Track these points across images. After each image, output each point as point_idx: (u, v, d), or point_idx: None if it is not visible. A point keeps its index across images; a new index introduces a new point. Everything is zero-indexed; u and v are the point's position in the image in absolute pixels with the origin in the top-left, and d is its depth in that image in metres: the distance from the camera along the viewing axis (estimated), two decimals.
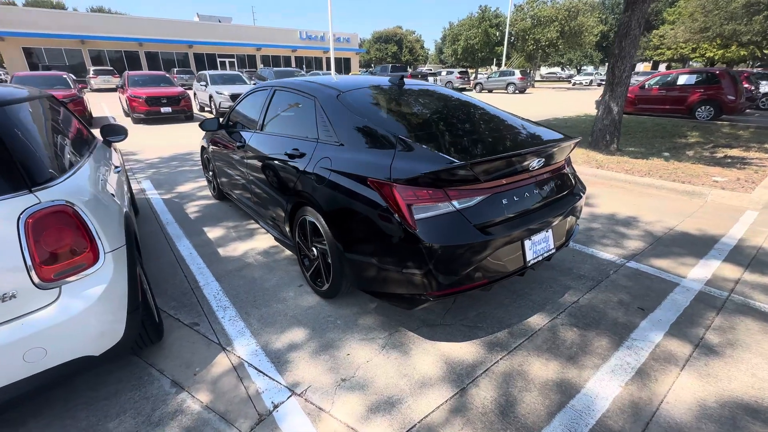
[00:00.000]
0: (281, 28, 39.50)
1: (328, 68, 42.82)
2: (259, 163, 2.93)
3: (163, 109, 11.38)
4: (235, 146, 3.34)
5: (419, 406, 1.71)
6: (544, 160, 2.07)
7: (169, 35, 32.00)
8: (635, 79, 18.79)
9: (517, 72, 25.50)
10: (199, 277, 2.82)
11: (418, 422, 1.63)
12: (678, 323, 2.27)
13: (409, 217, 1.75)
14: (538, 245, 2.12)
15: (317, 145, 2.36)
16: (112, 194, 2.01)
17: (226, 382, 1.85)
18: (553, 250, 2.22)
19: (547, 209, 2.18)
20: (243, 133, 3.32)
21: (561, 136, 2.32)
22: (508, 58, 33.95)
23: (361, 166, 2.01)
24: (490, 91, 26.83)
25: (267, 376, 1.88)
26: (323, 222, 2.20)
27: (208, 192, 4.79)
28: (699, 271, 2.85)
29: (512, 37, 33.51)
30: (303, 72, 17.08)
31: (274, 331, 2.21)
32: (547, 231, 2.16)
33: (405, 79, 2.86)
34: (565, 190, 2.35)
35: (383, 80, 2.86)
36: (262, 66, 36.38)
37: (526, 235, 2.03)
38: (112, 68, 26.02)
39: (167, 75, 13.39)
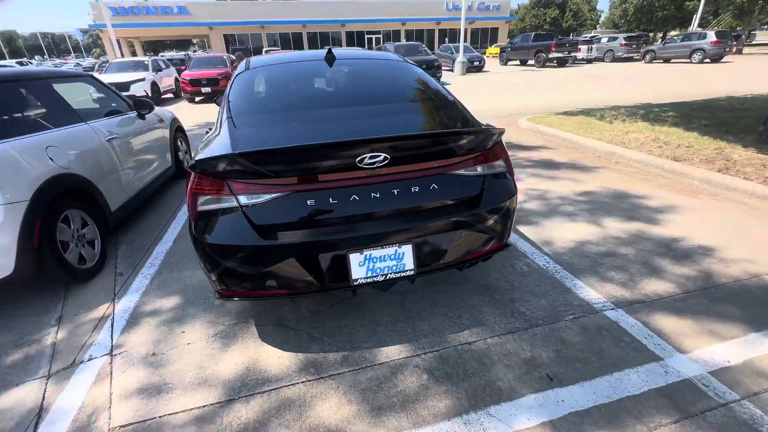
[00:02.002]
0: (428, 0, 39.01)
1: (474, 41, 40.67)
2: None
3: (203, 89, 12.23)
4: None
5: (177, 401, 1.66)
6: (387, 156, 1.60)
7: (326, 16, 35.40)
8: None
9: (711, 34, 19.19)
10: (165, 234, 3.25)
11: (159, 417, 1.59)
12: (589, 415, 1.53)
13: (191, 206, 1.64)
14: (378, 263, 1.69)
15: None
16: (50, 158, 2.48)
17: (84, 329, 2.16)
18: (412, 272, 1.74)
19: (401, 219, 1.70)
20: None
21: (461, 129, 1.75)
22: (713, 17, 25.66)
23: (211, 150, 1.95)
24: (666, 60, 21.13)
25: (111, 331, 2.11)
26: None
27: None
28: (718, 352, 1.81)
29: None
30: (423, 47, 16.69)
31: (159, 295, 2.43)
32: (399, 246, 1.70)
33: (339, 53, 2.56)
34: (449, 197, 1.78)
35: (312, 55, 2.63)
36: (403, 39, 37.05)
37: (352, 247, 1.64)
38: (277, 47, 30.50)
39: (224, 57, 14.51)
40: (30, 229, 2.16)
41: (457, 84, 15.02)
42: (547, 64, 21.53)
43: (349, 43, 37.40)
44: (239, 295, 1.71)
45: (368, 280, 1.70)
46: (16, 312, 2.33)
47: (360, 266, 1.68)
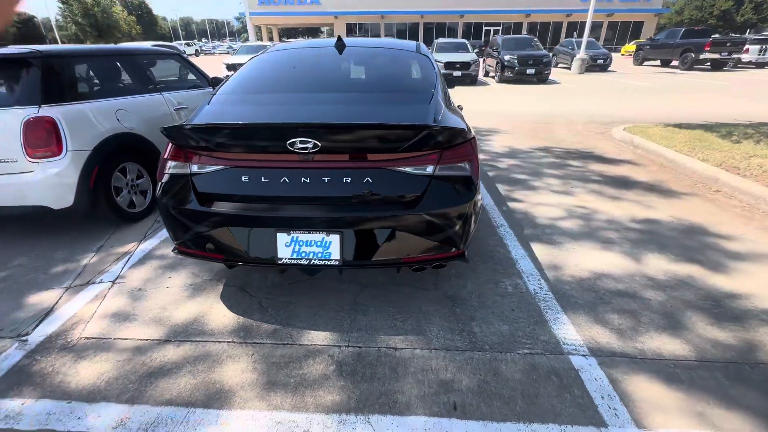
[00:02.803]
0: None
1: (610, 37, 35.86)
2: None
3: None
4: None
5: (131, 330, 1.96)
6: (317, 143, 1.60)
7: (445, 7, 34.91)
8: None
9: None
10: None
11: (112, 339, 1.91)
12: None
13: (160, 168, 1.88)
14: (304, 247, 1.72)
15: None
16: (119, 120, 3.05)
17: (109, 258, 2.66)
18: (337, 262, 1.73)
19: (331, 207, 1.70)
20: None
21: (409, 123, 1.65)
22: None
23: None
24: None
25: (124, 264, 2.56)
26: None
27: None
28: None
29: None
30: (536, 41, 15.35)
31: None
32: (327, 234, 1.71)
33: (348, 43, 2.59)
34: (384, 193, 1.70)
35: (325, 43, 2.69)
36: (525, 33, 34.52)
37: (280, 227, 1.71)
38: (389, 37, 31.32)
39: None
40: (88, 174, 2.73)
41: (565, 83, 13.56)
42: (696, 66, 17.87)
43: (466, 36, 36.34)
44: (187, 253, 1.93)
45: (293, 261, 1.75)
46: (76, 236, 2.98)
47: (286, 246, 1.74)
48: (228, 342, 1.89)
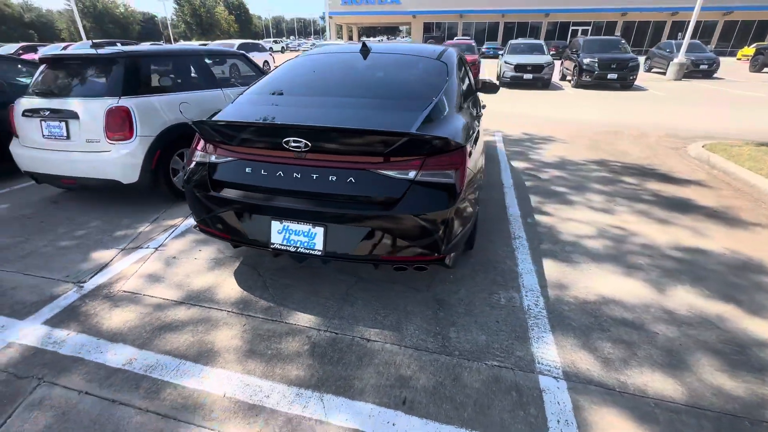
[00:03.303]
0: None
1: (726, 39, 31.22)
2: None
3: None
4: None
5: (156, 290, 2.32)
6: (308, 143, 1.77)
7: (528, 5, 33.23)
8: None
9: None
10: None
11: (141, 294, 2.29)
12: None
13: (189, 156, 2.20)
14: (293, 235, 1.91)
15: None
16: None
17: (159, 229, 3.12)
18: (320, 253, 1.89)
19: (317, 202, 1.86)
20: None
21: (396, 130, 1.75)
22: None
23: None
24: None
25: (169, 235, 3.00)
26: None
27: None
28: None
29: None
30: (623, 42, 13.98)
31: None
32: (313, 226, 1.88)
33: (372, 49, 2.72)
34: (365, 193, 1.81)
35: (352, 48, 2.83)
36: (617, 35, 31.48)
37: (275, 215, 1.92)
38: (467, 37, 30.61)
39: (473, 44, 14.92)
40: (151, 156, 3.23)
41: (653, 90, 12.22)
42: None
43: (550, 37, 34.26)
44: (204, 231, 2.23)
45: (283, 247, 1.95)
46: (139, 208, 3.54)
47: (278, 233, 1.94)
48: (228, 311, 2.16)
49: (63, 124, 3.16)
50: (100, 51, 3.29)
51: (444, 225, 1.85)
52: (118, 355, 1.85)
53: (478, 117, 3.14)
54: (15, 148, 3.43)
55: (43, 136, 3.24)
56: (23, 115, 3.28)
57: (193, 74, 3.91)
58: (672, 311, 2.20)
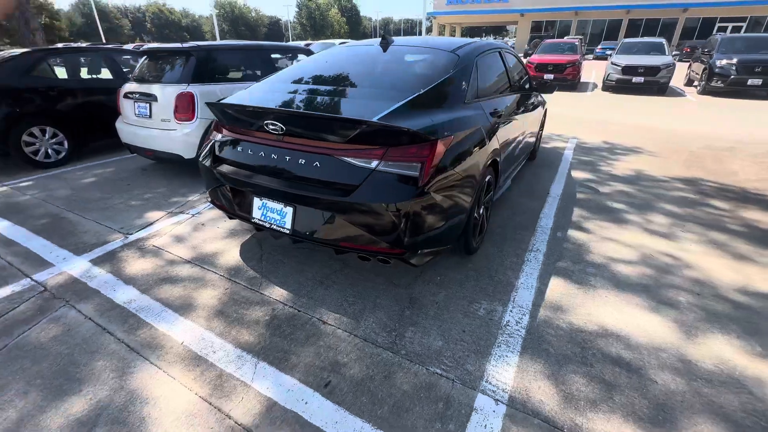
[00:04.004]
0: None
1: None
2: None
3: (545, 76, 12.26)
4: None
5: (177, 248, 2.69)
6: (282, 127, 1.87)
7: None
8: None
9: None
10: None
11: (164, 250, 2.67)
12: (304, 426, 1.46)
13: (208, 135, 2.48)
14: (269, 212, 2.05)
15: None
16: None
17: (202, 199, 3.58)
18: (288, 231, 2.00)
19: (288, 183, 1.96)
20: None
21: (361, 118, 1.75)
22: None
23: None
24: None
25: (205, 206, 3.43)
26: None
27: None
28: None
29: None
30: None
31: None
32: (284, 206, 1.99)
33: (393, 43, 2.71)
34: (327, 178, 1.85)
35: (373, 42, 2.84)
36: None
37: (256, 192, 2.08)
38: (581, 37, 27.67)
39: (575, 43, 13.62)
40: (205, 136, 3.72)
41: None
42: None
43: (688, 36, 29.28)
44: (212, 202, 2.49)
45: (261, 222, 2.10)
46: (197, 180, 4.08)
47: (258, 209, 2.10)
48: (219, 275, 2.40)
49: (147, 105, 3.81)
50: (183, 45, 3.88)
51: (406, 219, 1.79)
52: (124, 295, 2.21)
53: (509, 115, 2.91)
54: (118, 124, 4.25)
55: (135, 114, 3.96)
56: (124, 96, 4.05)
57: (256, 66, 4.36)
58: (692, 361, 1.79)
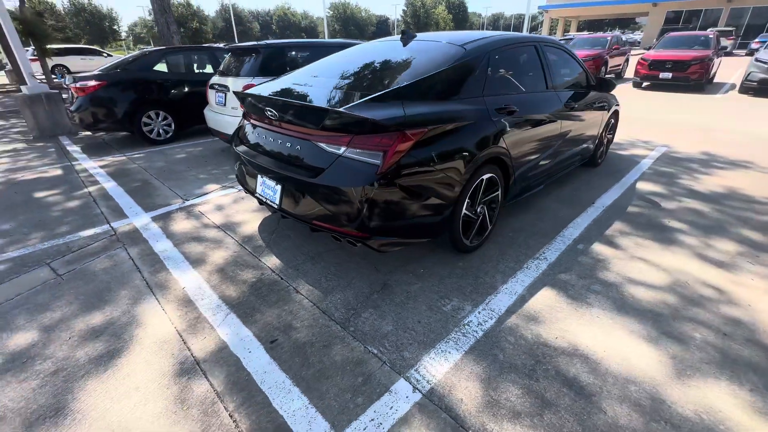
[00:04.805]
0: None
1: None
2: None
3: (662, 75, 10.68)
4: None
5: (211, 217, 3.18)
6: (275, 113, 2.12)
7: None
8: None
9: None
10: None
11: (204, 221, 3.19)
12: (251, 382, 1.70)
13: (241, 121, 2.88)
14: (266, 188, 2.33)
15: None
16: None
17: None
18: (276, 206, 2.25)
19: (278, 163, 2.20)
20: None
21: (341, 110, 1.89)
22: None
23: None
24: None
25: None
26: None
27: None
28: None
29: None
30: None
31: None
32: (276, 184, 2.25)
33: (415, 38, 2.74)
34: (303, 160, 2.05)
35: (396, 38, 2.90)
36: None
37: (259, 170, 2.38)
38: (722, 29, 23.03)
39: (710, 36, 11.47)
40: None
41: None
42: None
43: None
44: (236, 177, 2.88)
45: (261, 197, 2.40)
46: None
47: (260, 185, 2.40)
48: (234, 240, 2.79)
49: (224, 95, 4.48)
50: (251, 44, 4.45)
51: (368, 204, 1.89)
52: (161, 245, 2.74)
53: (539, 113, 2.76)
54: (205, 111, 5.06)
55: (215, 103, 4.68)
56: (210, 87, 4.81)
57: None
58: (666, 402, 1.55)
